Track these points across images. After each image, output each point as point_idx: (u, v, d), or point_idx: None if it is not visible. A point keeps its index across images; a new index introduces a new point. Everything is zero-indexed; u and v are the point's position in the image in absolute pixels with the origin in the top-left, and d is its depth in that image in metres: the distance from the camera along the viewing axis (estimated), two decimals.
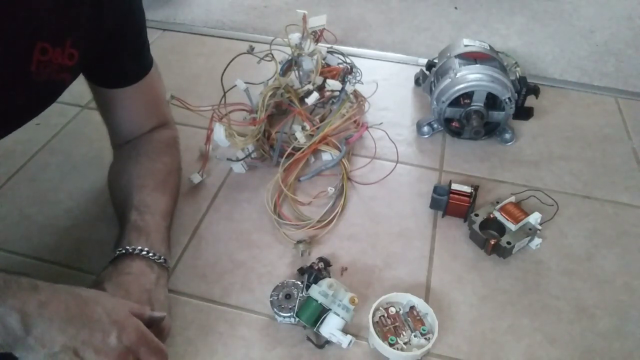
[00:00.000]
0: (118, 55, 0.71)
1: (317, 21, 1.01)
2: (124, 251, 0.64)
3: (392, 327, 0.66)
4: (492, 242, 0.76)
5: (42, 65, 0.57)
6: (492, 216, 0.79)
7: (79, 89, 0.72)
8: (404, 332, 0.65)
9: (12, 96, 0.57)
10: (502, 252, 0.76)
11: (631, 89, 1.16)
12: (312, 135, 0.91)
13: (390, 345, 0.63)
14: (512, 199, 0.82)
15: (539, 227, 0.79)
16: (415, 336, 0.65)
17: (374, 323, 0.66)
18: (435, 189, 0.83)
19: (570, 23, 1.41)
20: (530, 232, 0.77)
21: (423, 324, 0.66)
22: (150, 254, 0.65)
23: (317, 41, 1.04)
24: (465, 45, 1.00)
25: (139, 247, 0.64)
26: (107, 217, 0.82)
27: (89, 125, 1.00)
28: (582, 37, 1.35)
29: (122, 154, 0.78)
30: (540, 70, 1.21)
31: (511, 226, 0.77)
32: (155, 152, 0.77)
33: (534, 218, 0.79)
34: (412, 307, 0.68)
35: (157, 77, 0.79)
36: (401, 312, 0.68)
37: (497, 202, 0.81)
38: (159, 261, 0.65)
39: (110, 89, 0.74)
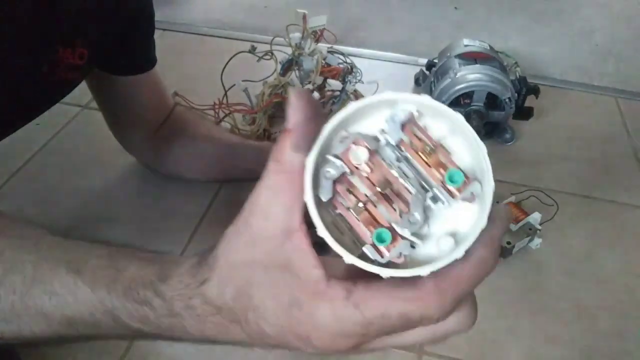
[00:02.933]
0: (145, 39, 0.74)
1: (317, 21, 1.01)
2: None
3: (371, 200, 0.26)
4: None
5: (53, 65, 0.58)
6: None
7: (79, 89, 0.72)
8: (403, 203, 0.26)
9: (23, 96, 0.57)
10: (502, 252, 0.76)
11: (631, 89, 1.15)
12: None
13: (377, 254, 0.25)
14: (512, 199, 0.82)
15: (539, 227, 0.79)
16: (438, 201, 0.26)
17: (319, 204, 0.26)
18: None
19: (570, 23, 1.40)
20: (530, 232, 0.77)
21: (450, 164, 0.26)
22: None
23: (317, 41, 1.04)
24: (465, 45, 1.00)
25: None
26: (107, 217, 0.82)
27: (89, 125, 1.00)
28: (582, 37, 1.35)
29: (166, 143, 0.82)
30: (540, 70, 1.21)
31: (511, 226, 0.77)
32: (191, 117, 0.84)
33: (534, 218, 0.79)
34: (409, 123, 0.26)
35: None
36: (385, 146, 0.26)
37: (497, 202, 0.81)
38: None
39: (137, 74, 0.76)
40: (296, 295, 0.26)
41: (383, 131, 0.26)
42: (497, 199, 0.83)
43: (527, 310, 0.71)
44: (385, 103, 0.26)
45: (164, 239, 0.79)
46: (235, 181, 0.85)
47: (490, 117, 0.94)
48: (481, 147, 0.27)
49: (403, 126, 0.26)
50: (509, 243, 0.75)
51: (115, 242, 0.78)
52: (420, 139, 0.26)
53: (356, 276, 0.26)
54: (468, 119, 1.00)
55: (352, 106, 0.26)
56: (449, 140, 0.27)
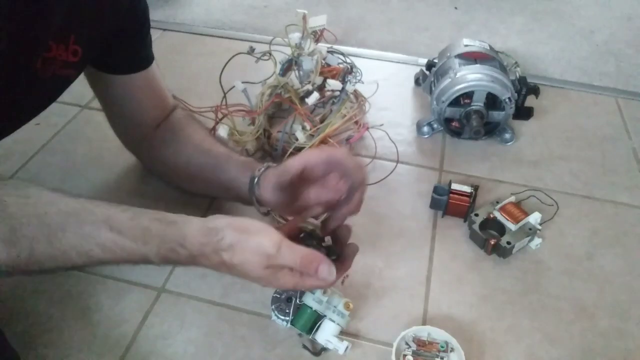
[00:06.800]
0: (139, 37, 0.74)
1: (317, 21, 1.01)
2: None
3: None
4: (492, 242, 0.76)
5: (47, 62, 0.58)
6: (492, 216, 0.79)
7: (79, 89, 0.72)
8: None
9: (19, 93, 0.57)
10: (502, 252, 0.76)
11: (631, 89, 1.16)
12: (312, 136, 0.91)
13: None
14: (512, 199, 0.82)
15: (539, 227, 0.79)
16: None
17: None
18: (435, 189, 0.83)
19: (570, 23, 1.41)
20: (530, 232, 0.77)
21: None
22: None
23: (317, 41, 1.04)
24: (465, 45, 1.00)
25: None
26: None
27: (89, 125, 1.00)
28: (582, 37, 1.35)
29: (160, 145, 0.80)
30: (540, 70, 1.21)
31: (511, 226, 0.77)
32: (188, 123, 0.82)
33: (534, 218, 0.79)
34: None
35: None
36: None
37: (497, 202, 0.81)
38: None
39: (133, 73, 0.75)
40: None
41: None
42: (497, 200, 0.84)
43: (527, 310, 0.71)
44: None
45: None
46: (213, 198, 0.84)
47: (490, 117, 0.94)
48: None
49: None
50: (509, 243, 0.75)
51: None
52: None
53: None
54: (468, 118, 1.01)
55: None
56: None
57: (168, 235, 0.52)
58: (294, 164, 0.62)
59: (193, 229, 0.52)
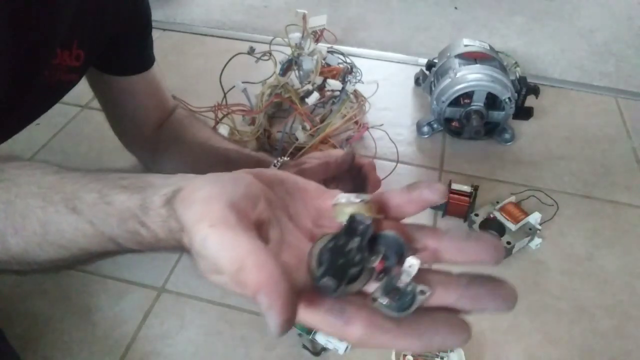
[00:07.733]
0: (141, 39, 0.73)
1: (317, 21, 1.01)
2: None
3: None
4: None
5: (53, 68, 0.58)
6: (492, 216, 0.79)
7: (79, 89, 0.71)
8: None
9: (25, 99, 0.57)
10: None
11: (631, 89, 1.16)
12: (312, 136, 0.91)
13: None
14: (512, 199, 0.82)
15: (539, 227, 0.79)
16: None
17: None
18: None
19: (570, 23, 1.41)
20: (530, 232, 0.77)
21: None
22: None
23: (317, 41, 1.04)
24: (465, 45, 1.00)
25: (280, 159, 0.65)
26: None
27: (89, 125, 1.00)
28: (582, 37, 1.35)
29: (164, 145, 0.79)
30: (540, 70, 1.21)
31: (511, 226, 0.77)
32: (191, 123, 0.80)
33: (534, 218, 0.79)
34: None
35: None
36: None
37: (497, 202, 0.81)
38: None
39: (133, 75, 0.74)
40: None
41: None
42: (497, 200, 0.84)
43: (527, 310, 0.71)
44: None
45: None
46: None
47: (490, 117, 0.94)
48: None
49: None
50: (509, 243, 0.75)
51: None
52: None
53: None
54: (468, 118, 1.01)
55: None
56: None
57: (130, 210, 0.34)
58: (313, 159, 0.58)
59: (158, 197, 0.33)
